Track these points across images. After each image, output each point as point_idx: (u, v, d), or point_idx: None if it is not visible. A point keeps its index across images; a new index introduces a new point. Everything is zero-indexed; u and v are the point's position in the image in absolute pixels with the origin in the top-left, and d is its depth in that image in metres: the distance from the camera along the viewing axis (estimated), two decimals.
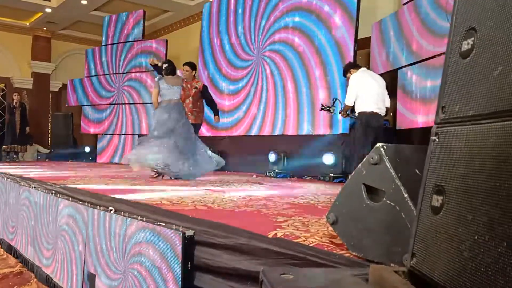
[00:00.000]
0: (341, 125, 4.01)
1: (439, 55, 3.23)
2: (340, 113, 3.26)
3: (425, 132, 3.58)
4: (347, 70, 3.23)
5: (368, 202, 0.97)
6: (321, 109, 3.39)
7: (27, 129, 6.63)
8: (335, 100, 3.43)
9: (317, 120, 4.27)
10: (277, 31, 4.87)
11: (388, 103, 3.09)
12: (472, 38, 0.49)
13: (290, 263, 1.10)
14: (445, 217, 0.49)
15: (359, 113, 3.02)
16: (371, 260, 0.94)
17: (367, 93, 2.92)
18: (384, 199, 0.92)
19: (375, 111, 2.87)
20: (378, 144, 0.96)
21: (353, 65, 3.26)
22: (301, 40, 4.54)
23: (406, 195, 0.86)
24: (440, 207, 0.50)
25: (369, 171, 0.97)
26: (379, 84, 3.02)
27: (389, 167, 0.92)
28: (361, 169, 1.00)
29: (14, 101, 6.44)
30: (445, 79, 0.54)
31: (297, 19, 4.63)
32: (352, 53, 4.00)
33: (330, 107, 3.29)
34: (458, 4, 0.53)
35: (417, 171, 0.88)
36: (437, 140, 0.54)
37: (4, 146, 6.53)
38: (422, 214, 0.54)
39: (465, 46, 0.50)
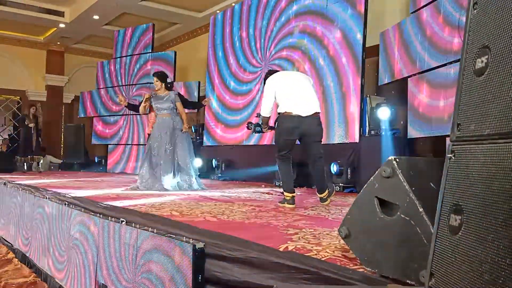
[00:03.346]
0: (356, 133, 3.98)
1: (444, 65, 3.21)
2: (263, 131, 2.79)
3: (436, 141, 3.52)
4: (265, 79, 2.70)
5: (382, 215, 0.95)
6: (248, 127, 2.87)
7: (39, 139, 6.84)
8: (258, 115, 2.78)
9: (330, 129, 4.24)
10: (285, 38, 4.92)
11: (314, 105, 2.53)
12: (486, 56, 0.49)
13: (303, 277, 1.08)
14: (464, 237, 0.48)
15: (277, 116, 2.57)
16: (386, 276, 0.92)
17: (284, 96, 2.48)
18: (398, 213, 0.91)
19: (288, 111, 2.43)
20: (390, 157, 0.95)
21: (272, 72, 2.70)
22: (310, 47, 4.57)
23: (421, 210, 0.84)
24: (458, 227, 0.49)
25: (382, 184, 0.96)
26: (303, 84, 2.55)
27: (402, 180, 0.91)
28: (373, 182, 0.99)
29: (30, 114, 6.68)
30: (459, 96, 0.54)
31: (306, 24, 4.66)
32: (360, 60, 4.01)
33: (258, 126, 2.77)
34: (470, 22, 0.53)
35: (431, 185, 0.87)
36: (453, 158, 0.53)
37: (19, 158, 6.75)
38: (440, 233, 0.53)
39: (479, 64, 0.50)
